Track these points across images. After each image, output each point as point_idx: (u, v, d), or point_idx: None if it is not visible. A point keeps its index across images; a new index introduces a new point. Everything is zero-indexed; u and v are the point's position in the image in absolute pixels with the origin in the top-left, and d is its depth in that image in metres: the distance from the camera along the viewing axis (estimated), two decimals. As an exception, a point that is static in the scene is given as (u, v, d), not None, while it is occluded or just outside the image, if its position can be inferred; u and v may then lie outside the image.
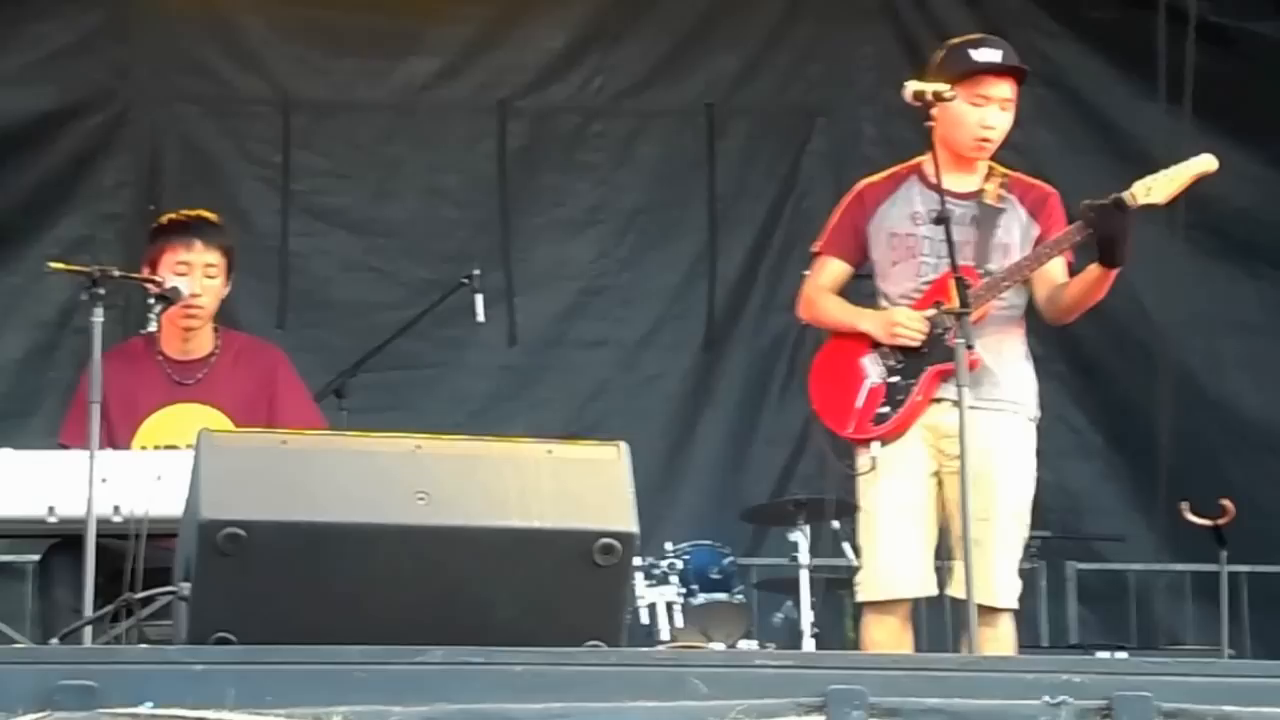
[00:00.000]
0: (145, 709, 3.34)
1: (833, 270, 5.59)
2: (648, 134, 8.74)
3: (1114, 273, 5.32)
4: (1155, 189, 5.30)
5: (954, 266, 5.15)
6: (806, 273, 5.69)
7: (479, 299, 7.20)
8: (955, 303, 5.10)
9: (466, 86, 8.67)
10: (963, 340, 5.07)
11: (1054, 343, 8.15)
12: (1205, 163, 5.35)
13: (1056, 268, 5.42)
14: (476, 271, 7.23)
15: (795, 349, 8.50)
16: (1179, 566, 8.21)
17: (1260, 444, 8.52)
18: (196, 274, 5.60)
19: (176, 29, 8.53)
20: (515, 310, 8.50)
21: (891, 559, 5.36)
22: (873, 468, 5.37)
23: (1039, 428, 5.54)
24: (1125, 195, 5.26)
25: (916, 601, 5.48)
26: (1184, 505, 6.77)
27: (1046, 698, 3.56)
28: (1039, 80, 8.64)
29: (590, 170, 8.71)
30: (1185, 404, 8.23)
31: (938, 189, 5.24)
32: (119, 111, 8.43)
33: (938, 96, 5.20)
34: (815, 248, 5.69)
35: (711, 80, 8.71)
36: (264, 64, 8.56)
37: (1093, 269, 5.34)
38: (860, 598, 5.45)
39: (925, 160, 5.46)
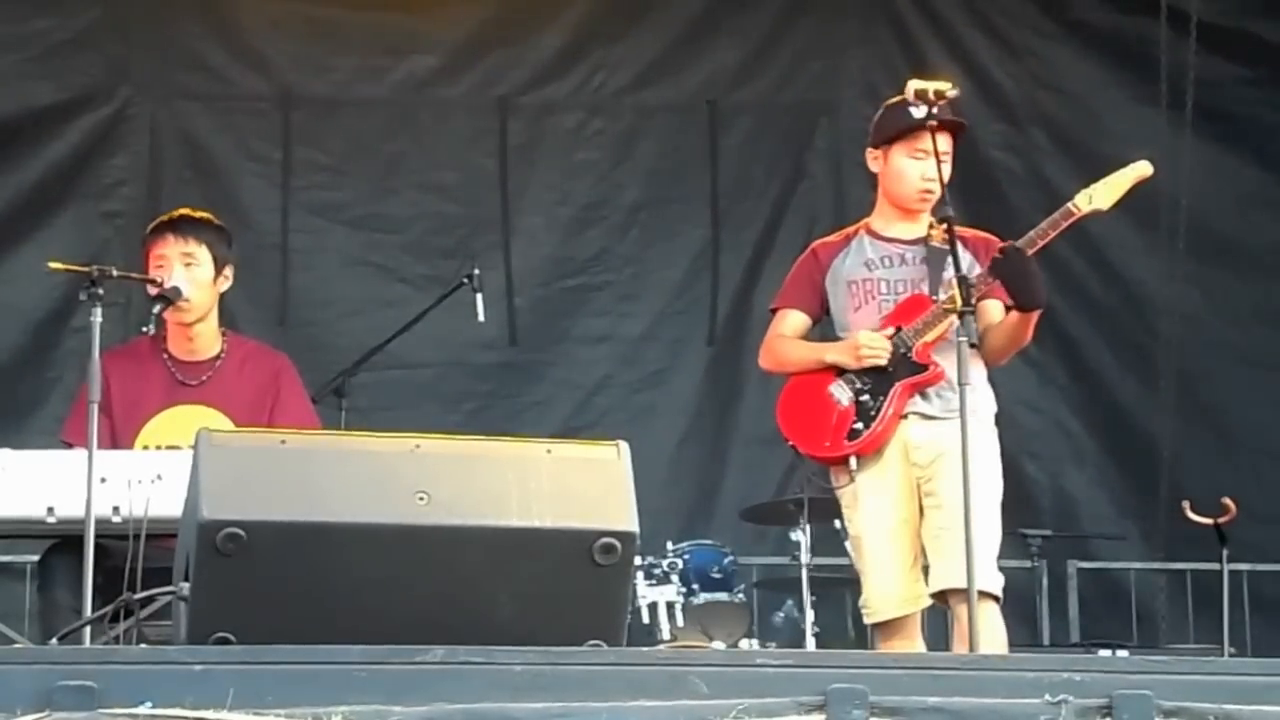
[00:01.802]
0: (145, 709, 3.36)
1: (792, 321, 5.72)
2: (649, 131, 8.75)
3: (1032, 316, 5.44)
4: (1096, 196, 5.46)
5: (957, 267, 5.23)
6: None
7: (479, 298, 7.21)
8: (959, 303, 5.17)
9: (467, 84, 8.68)
10: (964, 339, 5.14)
11: (1051, 349, 8.19)
12: (1141, 169, 5.50)
13: (993, 309, 5.52)
14: (476, 271, 7.25)
15: (798, 346, 8.52)
16: (1179, 565, 8.23)
17: (1255, 447, 8.54)
18: (174, 266, 5.57)
19: (176, 25, 8.53)
20: (516, 307, 8.51)
21: (887, 580, 5.46)
22: (852, 480, 5.48)
23: (1037, 432, 5.61)
24: (1018, 242, 5.37)
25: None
26: (1186, 504, 6.81)
27: (1047, 696, 3.57)
28: (1036, 81, 8.68)
29: (591, 167, 8.71)
30: (1183, 408, 8.27)
31: (881, 237, 5.54)
32: (118, 108, 8.44)
33: (940, 95, 5.28)
34: (772, 305, 5.82)
35: (712, 77, 8.72)
36: (264, 61, 8.57)
37: (1011, 314, 5.47)
38: (867, 621, 5.55)
39: (872, 218, 5.66)
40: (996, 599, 5.36)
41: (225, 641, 3.77)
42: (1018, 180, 8.57)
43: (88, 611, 4.61)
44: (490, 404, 8.46)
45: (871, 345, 5.45)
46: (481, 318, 7.27)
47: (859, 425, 5.48)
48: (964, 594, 5.22)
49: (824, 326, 5.77)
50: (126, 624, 4.37)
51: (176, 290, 5.46)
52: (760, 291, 8.62)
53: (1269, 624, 8.17)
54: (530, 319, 8.58)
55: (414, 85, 8.65)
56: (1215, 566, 6.94)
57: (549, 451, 4.08)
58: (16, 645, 5.09)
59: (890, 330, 5.48)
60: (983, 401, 5.53)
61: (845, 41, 8.77)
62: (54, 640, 4.65)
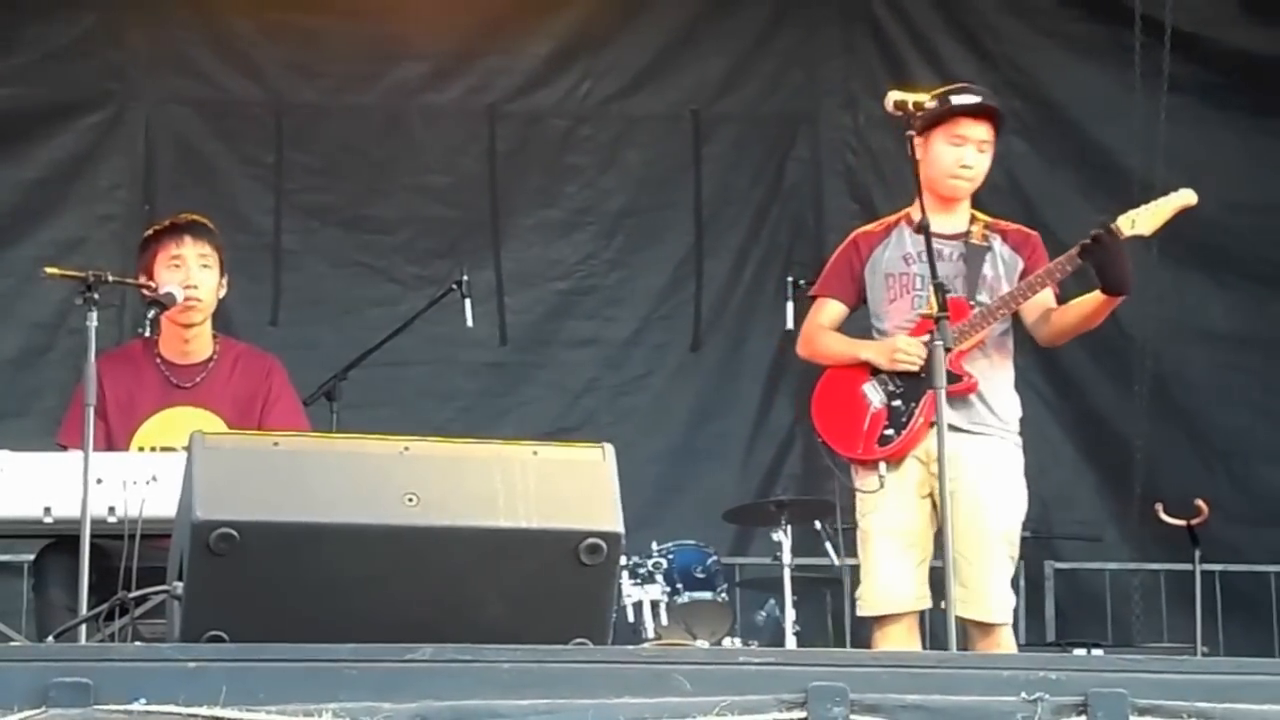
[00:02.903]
0: (139, 706, 3.36)
1: (830, 310, 5.76)
2: (634, 138, 8.76)
3: (1115, 300, 5.49)
4: (1139, 222, 5.47)
5: (934, 274, 5.27)
6: (789, 279, 5.80)
7: (468, 304, 7.24)
8: (934, 308, 5.21)
9: (456, 91, 8.68)
10: (941, 343, 5.17)
11: (1030, 354, 8.18)
12: (1185, 197, 5.52)
13: (1046, 294, 5.57)
14: (465, 277, 7.28)
15: (780, 351, 8.53)
16: (1153, 566, 8.25)
17: (1228, 450, 8.56)
18: (192, 265, 5.61)
19: (170, 32, 8.53)
20: (505, 309, 8.52)
21: (887, 577, 5.50)
22: (881, 486, 5.50)
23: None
24: (1110, 226, 5.41)
25: (922, 614, 5.58)
26: (1159, 506, 6.84)
27: (1024, 694, 3.58)
28: (1015, 91, 8.71)
29: (578, 173, 8.72)
30: (1156, 411, 8.28)
31: (926, 230, 5.46)
32: (114, 113, 8.44)
33: (918, 107, 5.32)
34: (812, 291, 5.87)
35: (696, 86, 8.73)
36: (256, 67, 8.57)
37: (1095, 295, 5.50)
38: (859, 613, 5.60)
39: (913, 209, 5.62)
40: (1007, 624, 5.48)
41: (218, 639, 3.78)
42: (995, 189, 8.54)
43: (83, 610, 4.62)
44: (480, 402, 8.48)
45: (907, 351, 5.48)
46: (470, 323, 7.32)
47: (889, 431, 5.53)
48: (974, 624, 5.41)
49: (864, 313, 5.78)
50: (121, 622, 4.37)
51: (171, 296, 5.46)
52: (742, 297, 8.67)
53: (1241, 623, 8.20)
54: (520, 320, 8.59)
55: (404, 92, 8.66)
56: (1188, 567, 6.97)
57: (535, 453, 4.09)
58: (13, 643, 5.08)
59: (927, 336, 5.46)
60: (1010, 411, 5.61)
61: (826, 52, 8.78)
62: (50, 638, 4.66)
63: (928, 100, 5.50)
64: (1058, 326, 5.56)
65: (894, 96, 5.35)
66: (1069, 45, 8.67)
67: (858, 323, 5.83)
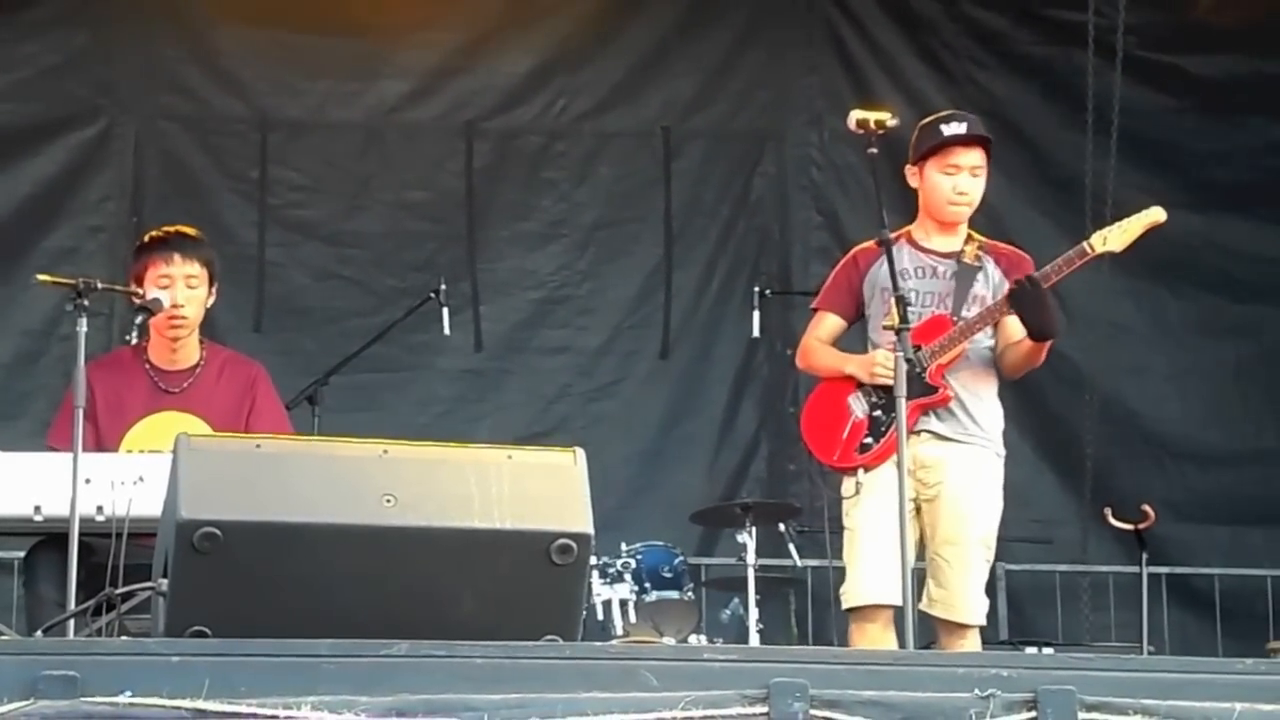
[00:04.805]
0: (124, 698, 3.35)
1: (828, 324, 5.79)
2: (607, 154, 8.77)
3: (1044, 345, 5.50)
4: (1110, 239, 5.51)
5: (895, 287, 5.28)
6: (755, 289, 5.81)
7: (445, 313, 7.24)
8: (896, 320, 5.22)
9: (435, 108, 8.68)
10: (902, 353, 5.18)
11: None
12: (1155, 214, 5.54)
13: (1014, 326, 5.57)
14: (443, 287, 7.27)
15: (746, 359, 8.57)
16: (1102, 568, 8.27)
17: (1180, 453, 8.59)
18: (178, 285, 5.60)
19: (159, 51, 8.53)
20: (481, 317, 8.52)
21: (870, 571, 5.48)
22: (856, 492, 5.53)
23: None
24: (1035, 274, 5.45)
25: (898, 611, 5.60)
26: (1107, 510, 6.85)
27: (977, 691, 3.59)
28: (974, 108, 8.69)
29: (553, 187, 8.73)
30: (1110, 416, 8.31)
31: (919, 247, 5.59)
32: (104, 129, 8.43)
33: (880, 125, 5.31)
34: (812, 305, 5.90)
35: (667, 104, 8.75)
36: (242, 84, 8.57)
37: (1024, 340, 5.52)
38: (844, 605, 5.59)
39: (914, 228, 5.69)
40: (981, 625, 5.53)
41: (201, 635, 3.77)
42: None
43: (71, 605, 4.61)
44: (457, 407, 8.48)
45: (885, 365, 5.46)
46: (448, 331, 7.32)
47: (869, 440, 5.55)
48: (948, 624, 5.48)
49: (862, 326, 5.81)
50: (108, 617, 4.37)
51: (158, 302, 5.46)
52: (710, 307, 8.68)
53: (1187, 623, 8.23)
54: (495, 328, 8.59)
55: (385, 109, 8.66)
56: (1135, 569, 6.99)
57: (510, 457, 4.09)
58: (3, 637, 5.07)
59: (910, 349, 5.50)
60: (991, 421, 5.61)
61: (793, 71, 8.81)
62: (39, 633, 4.65)
63: (916, 131, 5.59)
64: (1006, 362, 5.60)
65: (856, 115, 5.35)
66: (1025, 65, 8.72)
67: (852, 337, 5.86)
